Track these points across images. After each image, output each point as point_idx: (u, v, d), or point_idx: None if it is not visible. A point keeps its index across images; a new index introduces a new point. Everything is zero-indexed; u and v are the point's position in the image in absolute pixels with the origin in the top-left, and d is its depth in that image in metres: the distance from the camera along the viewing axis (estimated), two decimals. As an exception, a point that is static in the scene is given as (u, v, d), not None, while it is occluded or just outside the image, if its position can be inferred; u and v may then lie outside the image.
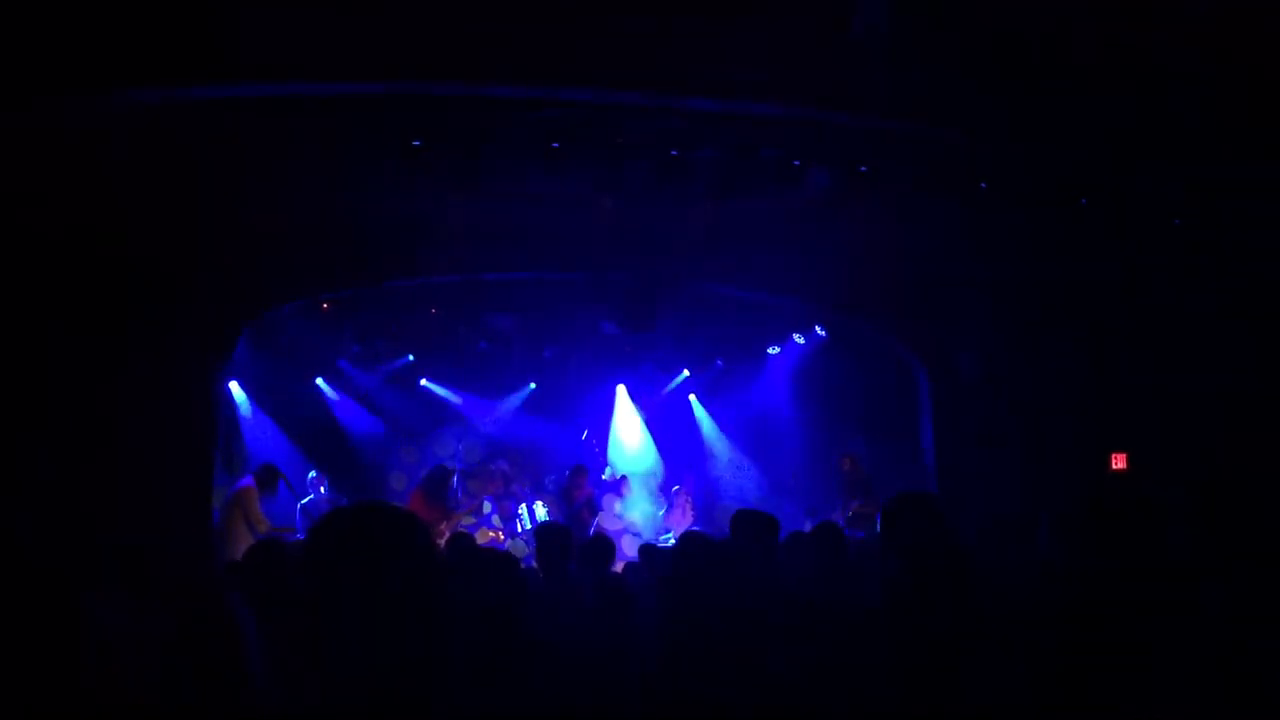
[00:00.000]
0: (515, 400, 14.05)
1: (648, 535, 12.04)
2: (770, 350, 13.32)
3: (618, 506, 12.59)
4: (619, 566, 6.71)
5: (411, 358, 13.24)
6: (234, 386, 11.72)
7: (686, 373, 14.20)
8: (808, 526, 9.98)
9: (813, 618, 3.30)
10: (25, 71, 5.53)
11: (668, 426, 14.29)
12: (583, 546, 5.72)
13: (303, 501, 10.76)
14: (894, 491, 3.77)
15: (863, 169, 7.98)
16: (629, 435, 14.22)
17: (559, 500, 12.08)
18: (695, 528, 11.97)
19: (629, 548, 11.10)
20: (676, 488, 12.95)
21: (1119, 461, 10.25)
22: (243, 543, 8.34)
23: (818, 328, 12.32)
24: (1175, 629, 2.51)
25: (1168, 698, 2.40)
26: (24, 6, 5.45)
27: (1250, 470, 7.67)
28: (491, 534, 11.70)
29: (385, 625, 1.54)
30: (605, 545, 5.66)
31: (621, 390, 14.20)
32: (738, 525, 4.65)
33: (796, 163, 7.91)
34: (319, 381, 12.95)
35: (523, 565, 5.41)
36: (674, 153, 7.74)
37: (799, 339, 12.74)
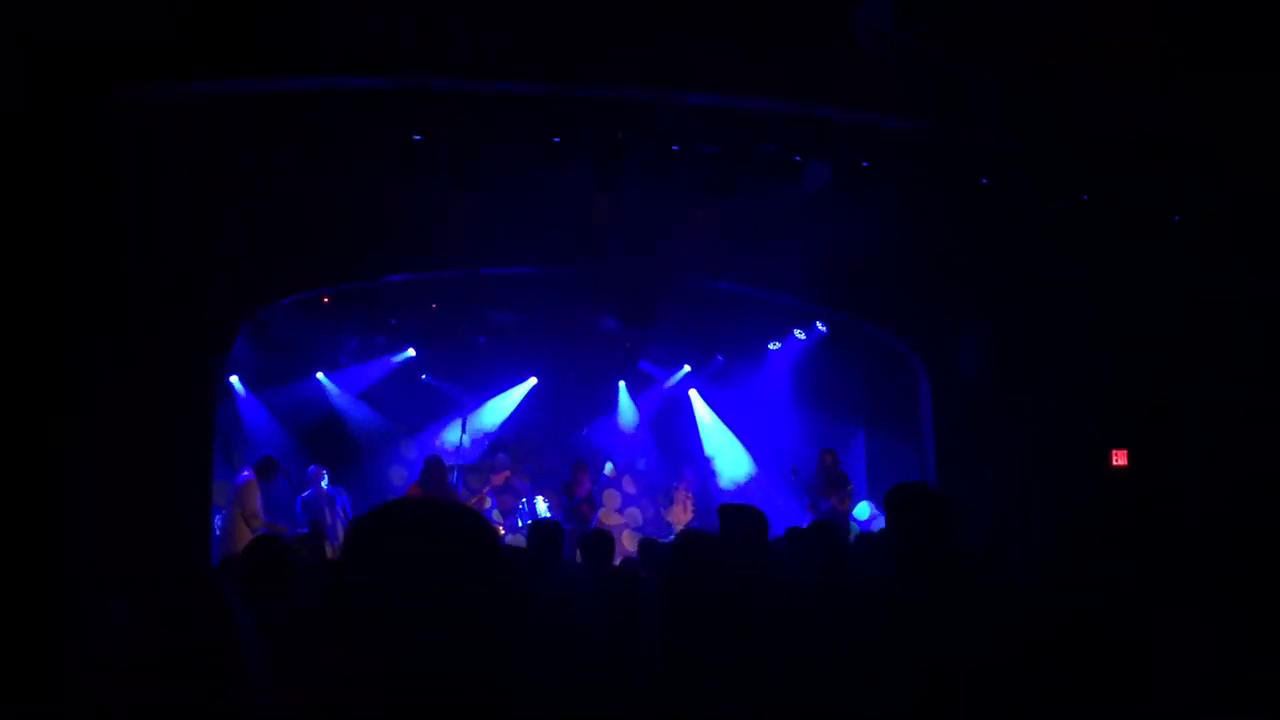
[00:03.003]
0: (516, 395, 14.05)
1: (648, 531, 12.05)
2: (771, 346, 13.32)
3: (618, 502, 12.61)
4: (615, 561, 6.72)
5: (412, 352, 13.24)
6: (234, 381, 11.72)
7: (687, 368, 14.19)
8: (806, 521, 10.01)
9: (814, 614, 3.30)
10: (24, 70, 5.53)
11: (668, 422, 14.30)
12: (582, 540, 5.72)
13: (302, 495, 10.75)
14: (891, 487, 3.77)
15: (864, 165, 7.98)
16: (629, 430, 14.23)
17: (559, 495, 12.09)
18: (695, 524, 11.99)
19: (629, 543, 11.11)
20: (676, 484, 12.96)
21: (1119, 458, 10.25)
22: (245, 538, 8.35)
23: (818, 323, 12.32)
24: (1176, 629, 2.51)
25: (1169, 696, 2.40)
26: (21, 7, 5.44)
27: (1251, 469, 7.66)
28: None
29: (439, 628, 1.49)
30: (606, 540, 5.67)
31: (622, 386, 14.21)
32: (725, 518, 4.60)
33: (797, 158, 7.91)
34: (319, 376, 12.95)
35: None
36: (675, 148, 7.74)
37: (799, 334, 12.74)
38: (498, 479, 11.90)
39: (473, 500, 11.63)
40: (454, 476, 11.85)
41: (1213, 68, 6.13)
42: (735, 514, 4.49)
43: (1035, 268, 9.62)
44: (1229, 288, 8.41)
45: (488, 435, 13.83)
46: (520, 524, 12.39)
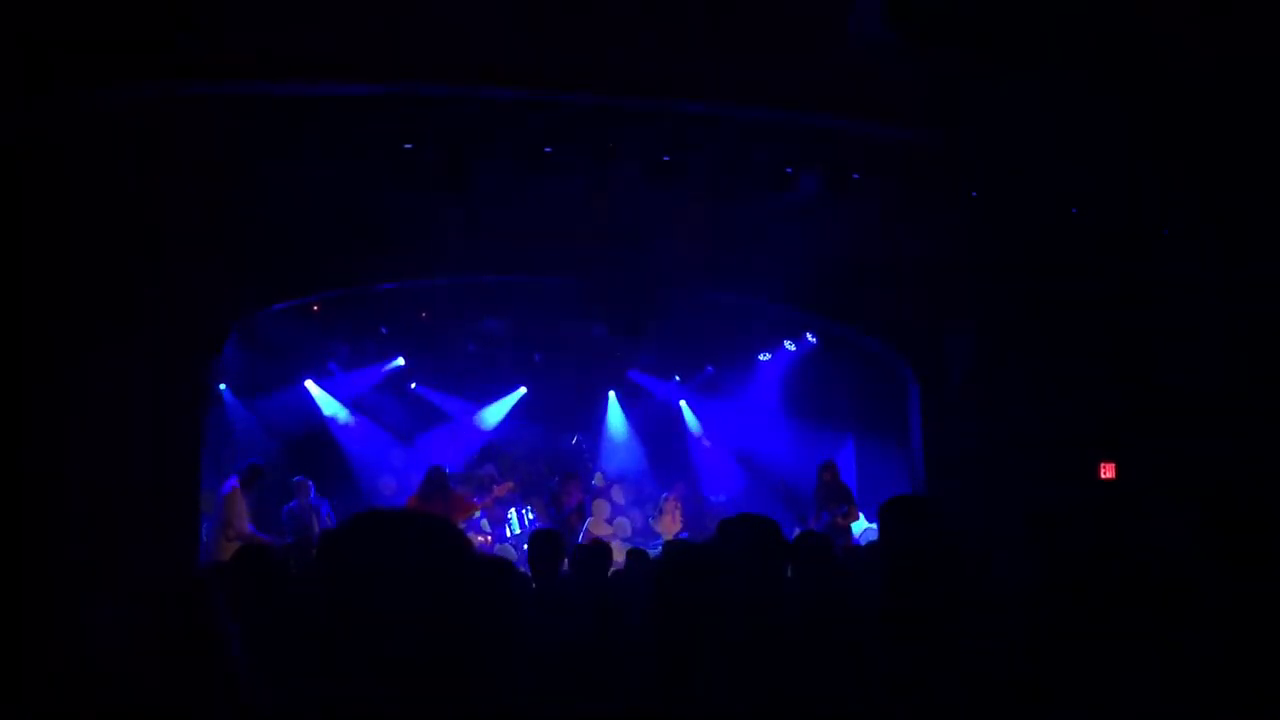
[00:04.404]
0: (505, 404, 14.00)
1: (637, 542, 12.01)
2: (761, 356, 13.31)
3: (607, 512, 12.56)
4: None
5: (401, 361, 13.19)
6: (222, 388, 11.63)
7: (677, 378, 14.17)
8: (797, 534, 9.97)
9: (808, 624, 3.28)
10: (17, 69, 5.49)
11: (658, 432, 14.26)
12: (578, 552, 5.66)
13: (288, 506, 10.65)
14: (882, 498, 3.74)
15: (854, 175, 7.99)
16: (619, 440, 14.19)
17: (548, 506, 12.03)
18: (684, 534, 11.94)
19: (617, 554, 11.04)
20: (666, 494, 12.92)
21: (1108, 471, 10.26)
22: (232, 547, 8.29)
23: (808, 334, 12.32)
24: (1172, 632, 2.50)
25: (1166, 699, 2.39)
26: (15, 4, 5.41)
27: (1247, 476, 7.66)
28: (480, 538, 11.65)
29: (415, 640, 1.48)
30: (602, 551, 5.61)
31: (612, 396, 14.17)
32: (729, 534, 4.52)
33: (789, 169, 7.91)
34: (308, 384, 12.88)
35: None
36: (665, 157, 7.74)
37: (790, 345, 12.74)
38: (500, 490, 11.77)
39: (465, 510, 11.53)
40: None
41: (1208, 74, 6.16)
42: (738, 526, 4.39)
43: (1025, 277, 9.63)
44: (1223, 299, 8.43)
45: (476, 445, 13.78)
46: (509, 534, 12.33)
